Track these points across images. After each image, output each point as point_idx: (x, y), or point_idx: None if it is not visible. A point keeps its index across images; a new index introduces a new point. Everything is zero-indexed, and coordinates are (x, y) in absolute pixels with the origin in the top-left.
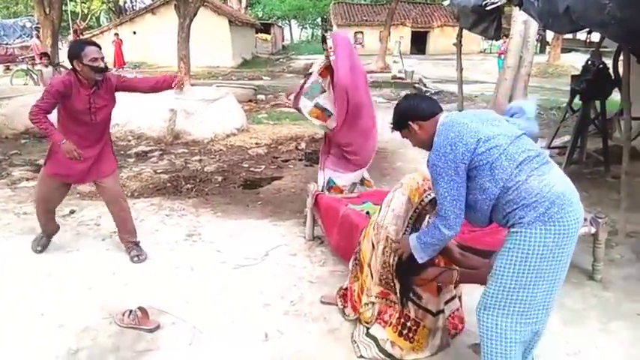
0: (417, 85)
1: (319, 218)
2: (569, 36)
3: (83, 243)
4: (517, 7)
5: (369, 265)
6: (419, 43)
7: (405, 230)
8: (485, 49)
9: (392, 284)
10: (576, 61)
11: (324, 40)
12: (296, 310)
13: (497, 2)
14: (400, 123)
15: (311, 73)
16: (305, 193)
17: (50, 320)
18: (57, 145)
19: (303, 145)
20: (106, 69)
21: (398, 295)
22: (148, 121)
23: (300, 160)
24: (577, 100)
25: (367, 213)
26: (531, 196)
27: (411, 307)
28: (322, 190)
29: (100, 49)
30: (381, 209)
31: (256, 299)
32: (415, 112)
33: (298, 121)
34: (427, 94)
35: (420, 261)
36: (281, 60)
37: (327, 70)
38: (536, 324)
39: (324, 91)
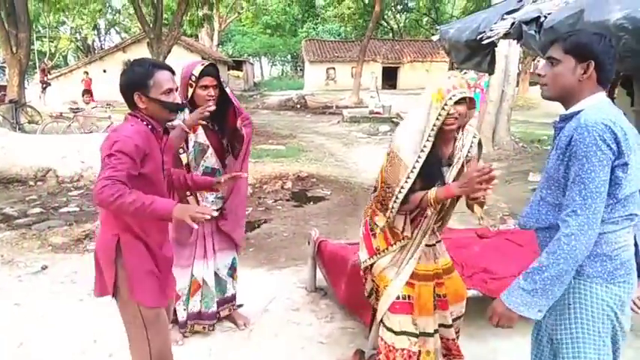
0: (394, 120)
1: (323, 268)
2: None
3: (58, 305)
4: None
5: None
6: (390, 79)
7: (423, 148)
8: None
9: (385, 207)
10: None
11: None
12: None
13: (493, 36)
14: (583, 53)
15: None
16: (299, 237)
17: None
18: (160, 234)
19: (289, 185)
20: (183, 107)
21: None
22: None
23: (288, 200)
24: None
25: None
26: (609, 247)
27: (411, 341)
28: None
29: (174, 73)
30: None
31: None
32: (606, 63)
33: (279, 158)
34: None
35: (539, 315)
36: (254, 96)
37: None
38: None
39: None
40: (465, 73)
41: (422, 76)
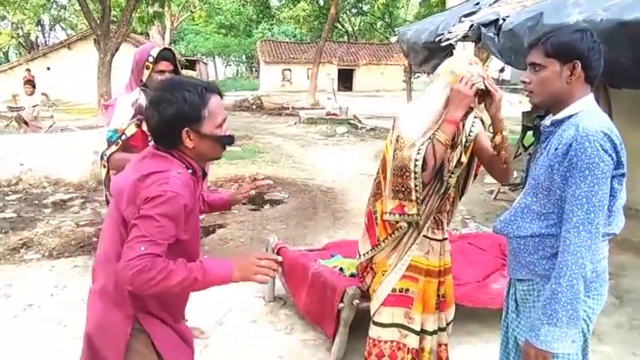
0: (351, 121)
1: (282, 276)
2: None
3: None
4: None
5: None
6: (345, 81)
7: (436, 130)
8: None
9: (407, 192)
10: None
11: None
12: None
13: (451, 38)
14: (567, 54)
15: None
16: (256, 243)
17: None
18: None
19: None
20: (232, 141)
21: None
22: (67, 164)
23: (244, 204)
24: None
25: (340, 270)
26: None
27: (402, 333)
28: None
29: (222, 96)
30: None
31: None
32: (592, 60)
33: (235, 160)
34: (362, 130)
35: (573, 347)
36: None
37: None
38: None
39: None
40: (418, 76)
41: (377, 78)
